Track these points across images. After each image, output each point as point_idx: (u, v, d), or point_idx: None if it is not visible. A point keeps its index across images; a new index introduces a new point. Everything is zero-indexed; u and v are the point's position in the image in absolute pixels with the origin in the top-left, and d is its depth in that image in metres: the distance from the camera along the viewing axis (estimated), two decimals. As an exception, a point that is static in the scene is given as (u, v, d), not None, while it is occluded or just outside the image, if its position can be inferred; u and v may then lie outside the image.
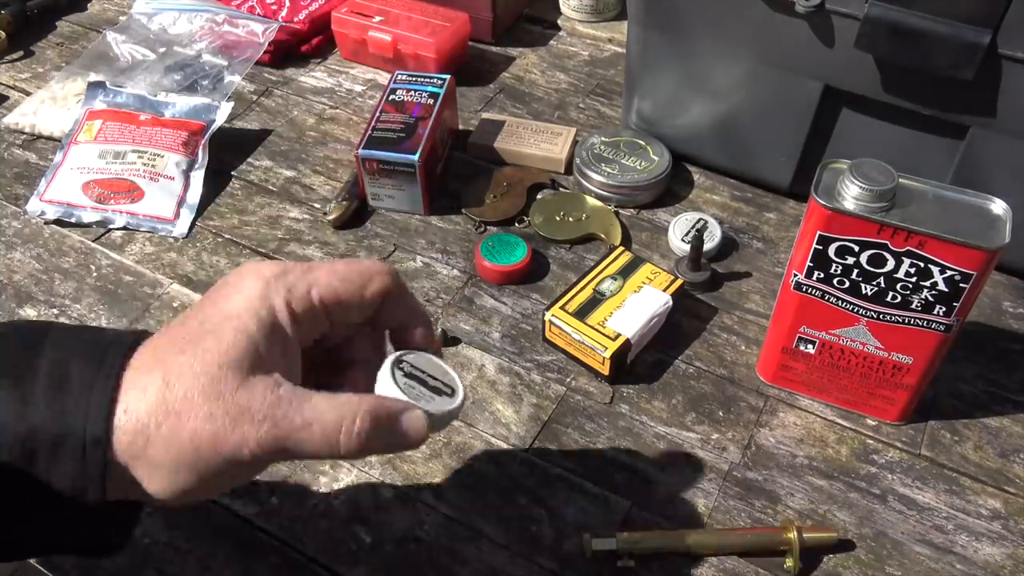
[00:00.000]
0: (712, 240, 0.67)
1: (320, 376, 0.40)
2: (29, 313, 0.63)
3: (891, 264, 0.48)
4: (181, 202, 0.72)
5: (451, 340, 0.62)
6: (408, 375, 0.38)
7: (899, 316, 0.51)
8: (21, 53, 0.89)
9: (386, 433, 0.35)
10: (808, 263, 0.51)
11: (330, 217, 0.70)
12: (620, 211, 0.72)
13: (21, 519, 0.34)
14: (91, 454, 0.32)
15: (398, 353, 0.40)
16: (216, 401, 0.33)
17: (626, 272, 0.62)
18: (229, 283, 0.36)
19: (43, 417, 0.32)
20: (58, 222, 0.71)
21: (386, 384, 0.38)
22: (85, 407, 0.32)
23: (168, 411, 0.32)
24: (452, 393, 0.39)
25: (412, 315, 0.41)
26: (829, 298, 0.52)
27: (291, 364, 0.36)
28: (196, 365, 0.33)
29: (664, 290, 0.61)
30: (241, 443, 0.33)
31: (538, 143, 0.77)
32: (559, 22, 0.95)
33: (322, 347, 0.41)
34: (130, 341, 0.35)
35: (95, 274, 0.67)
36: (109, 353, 0.34)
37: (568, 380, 0.59)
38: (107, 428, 0.32)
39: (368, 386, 0.38)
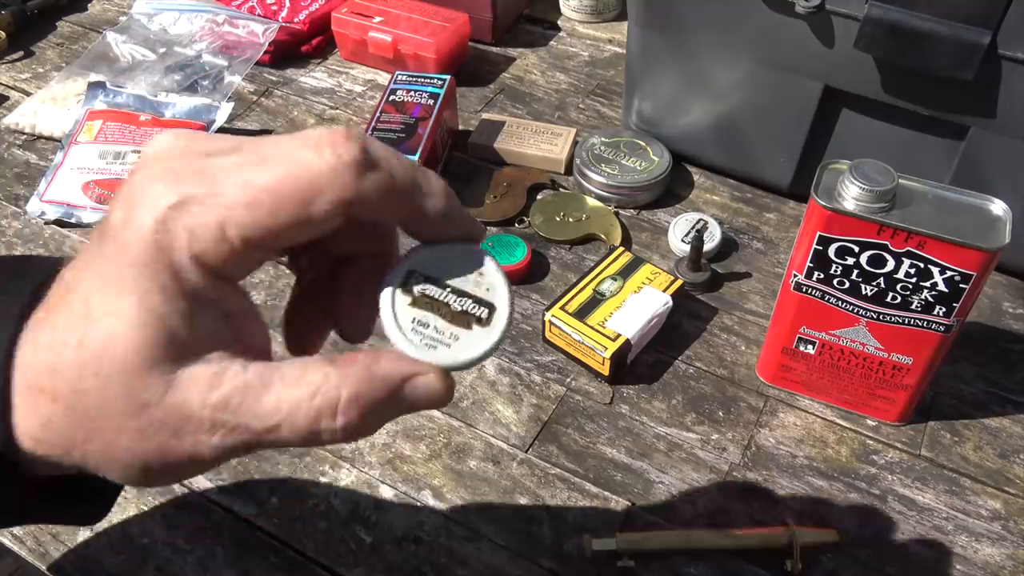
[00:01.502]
0: (712, 240, 0.67)
1: (306, 303, 0.31)
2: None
3: (891, 264, 0.48)
4: (181, 202, 0.72)
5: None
6: (420, 301, 0.27)
7: (899, 317, 0.51)
8: (21, 53, 0.89)
9: (381, 415, 0.27)
10: (808, 263, 0.51)
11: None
12: (620, 211, 0.72)
13: None
14: None
15: (406, 264, 0.28)
16: (142, 415, 0.25)
17: (626, 272, 0.62)
18: (112, 225, 0.25)
19: None
20: (58, 222, 0.71)
21: (388, 325, 0.27)
22: None
23: (88, 431, 0.25)
24: (488, 316, 0.27)
25: (418, 212, 0.27)
26: (829, 298, 0.52)
27: (233, 324, 0.27)
28: (102, 369, 0.24)
29: (664, 290, 0.61)
30: (193, 452, 0.26)
31: (538, 143, 0.77)
32: (559, 23, 0.95)
33: (297, 259, 0.31)
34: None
35: (95, 274, 0.67)
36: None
37: (568, 380, 0.59)
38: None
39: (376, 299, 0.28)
